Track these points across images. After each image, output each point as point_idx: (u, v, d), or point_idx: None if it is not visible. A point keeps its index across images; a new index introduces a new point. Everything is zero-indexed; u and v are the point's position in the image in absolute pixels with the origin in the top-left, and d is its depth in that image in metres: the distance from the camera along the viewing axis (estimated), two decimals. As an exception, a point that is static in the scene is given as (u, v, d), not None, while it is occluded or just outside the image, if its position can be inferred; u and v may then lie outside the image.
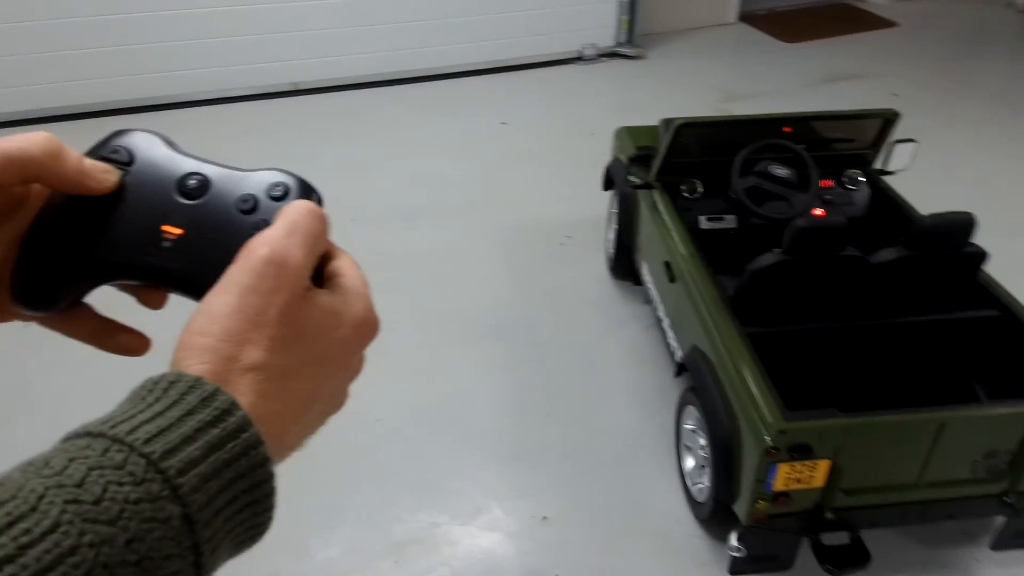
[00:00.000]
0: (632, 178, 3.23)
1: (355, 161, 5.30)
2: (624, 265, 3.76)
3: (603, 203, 4.68)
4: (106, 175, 0.56)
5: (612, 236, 3.88)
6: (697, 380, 2.50)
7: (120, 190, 0.57)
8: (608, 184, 3.90)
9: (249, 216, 0.57)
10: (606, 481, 2.88)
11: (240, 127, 5.85)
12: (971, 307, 2.56)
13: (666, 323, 3.06)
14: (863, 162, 3.31)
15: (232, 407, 0.43)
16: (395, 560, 2.61)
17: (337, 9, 6.28)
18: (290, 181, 0.60)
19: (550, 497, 2.82)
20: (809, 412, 2.04)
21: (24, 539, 0.33)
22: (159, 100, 6.04)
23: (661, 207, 3.08)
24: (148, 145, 0.60)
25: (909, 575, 2.50)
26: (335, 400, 0.55)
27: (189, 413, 0.41)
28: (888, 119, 3.11)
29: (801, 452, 1.97)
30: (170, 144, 0.62)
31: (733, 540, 2.22)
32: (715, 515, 2.46)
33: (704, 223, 3.14)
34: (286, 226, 0.52)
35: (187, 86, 6.11)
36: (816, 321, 2.50)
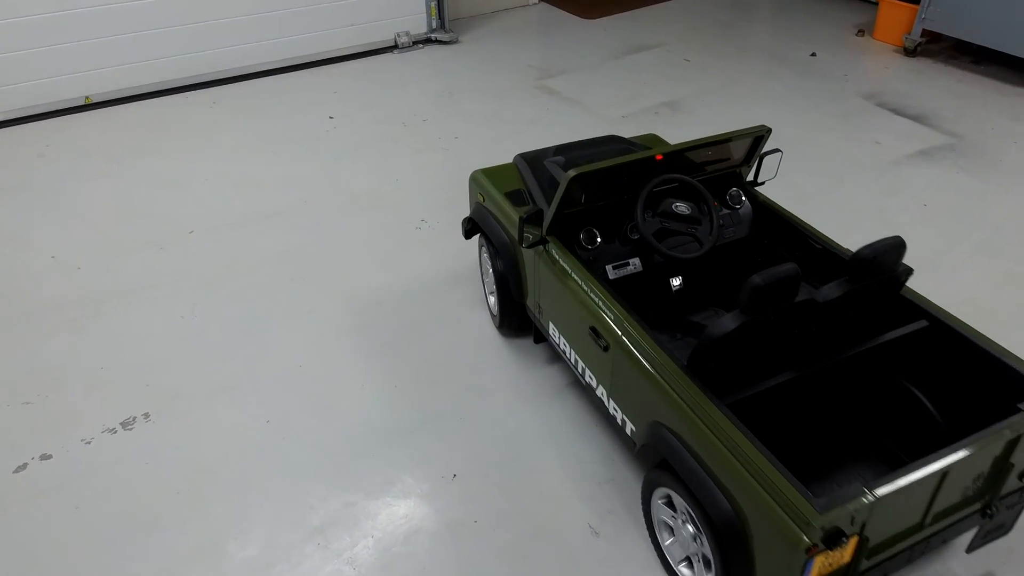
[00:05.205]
0: (528, 235, 2.90)
1: (176, 172, 5.07)
2: (514, 321, 3.45)
3: (451, 189, 4.85)
4: None
5: (492, 293, 3.55)
6: (676, 462, 2.25)
7: None
8: (470, 233, 3.53)
9: None
10: (503, 433, 3.08)
11: (34, 149, 5.37)
12: (902, 321, 2.57)
13: (601, 391, 2.76)
14: (737, 178, 3.24)
15: None
16: (318, 543, 2.65)
17: (131, 13, 5.89)
18: None
19: (455, 457, 2.98)
20: (838, 496, 1.90)
21: None
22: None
23: (566, 265, 2.79)
24: None
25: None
26: None
27: None
28: (760, 136, 3.04)
29: (835, 538, 1.87)
30: None
31: None
32: None
33: (612, 273, 2.92)
34: None
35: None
36: (777, 374, 2.37)
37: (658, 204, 2.92)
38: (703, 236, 2.90)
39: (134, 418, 3.17)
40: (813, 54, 6.99)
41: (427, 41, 7.27)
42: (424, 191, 4.84)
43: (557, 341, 3.05)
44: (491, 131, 5.60)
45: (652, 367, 2.36)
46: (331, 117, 5.86)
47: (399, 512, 2.76)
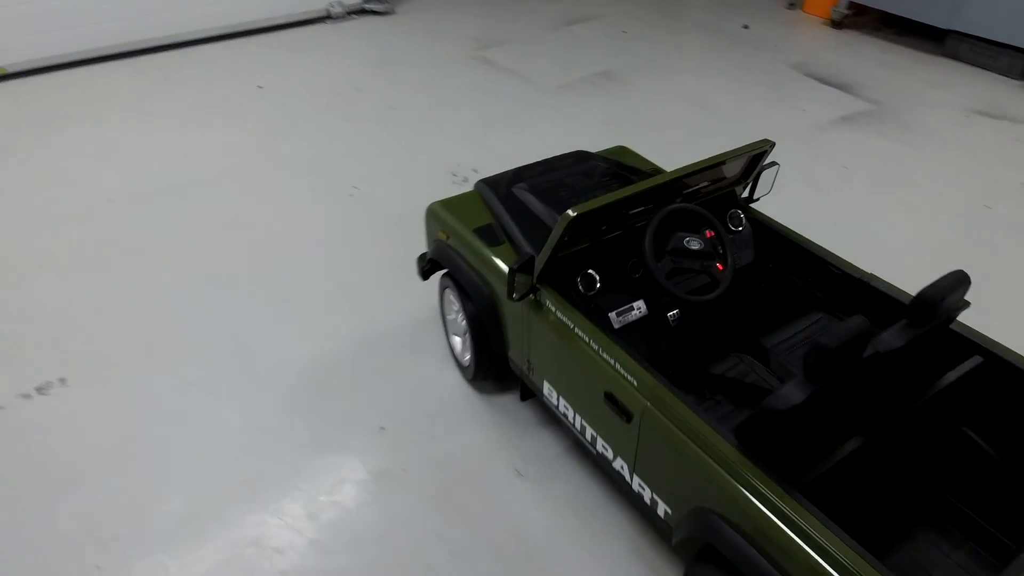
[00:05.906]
0: (517, 285, 2.47)
1: (98, 142, 4.90)
2: (490, 371, 2.99)
3: (384, 157, 4.81)
4: None
5: (459, 342, 3.10)
6: (738, 560, 1.89)
7: None
8: (428, 273, 3.10)
9: None
10: (432, 385, 3.09)
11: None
12: (952, 357, 2.32)
13: (620, 464, 2.36)
14: (732, 197, 2.93)
15: None
16: (244, 496, 2.62)
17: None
18: None
19: (382, 411, 2.97)
20: None
21: None
22: None
23: (566, 319, 2.37)
24: None
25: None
26: None
27: None
28: (763, 151, 2.74)
29: None
30: None
31: None
32: None
33: (616, 321, 2.51)
34: None
35: None
36: (843, 443, 2.08)
37: (666, 240, 2.51)
38: (715, 272, 2.53)
39: (50, 383, 3.07)
40: (745, 26, 7.12)
41: (361, 12, 7.17)
42: (357, 159, 4.78)
43: (555, 403, 2.62)
44: (427, 101, 5.56)
45: (698, 445, 1.99)
46: (260, 87, 5.73)
47: (327, 464, 2.75)
